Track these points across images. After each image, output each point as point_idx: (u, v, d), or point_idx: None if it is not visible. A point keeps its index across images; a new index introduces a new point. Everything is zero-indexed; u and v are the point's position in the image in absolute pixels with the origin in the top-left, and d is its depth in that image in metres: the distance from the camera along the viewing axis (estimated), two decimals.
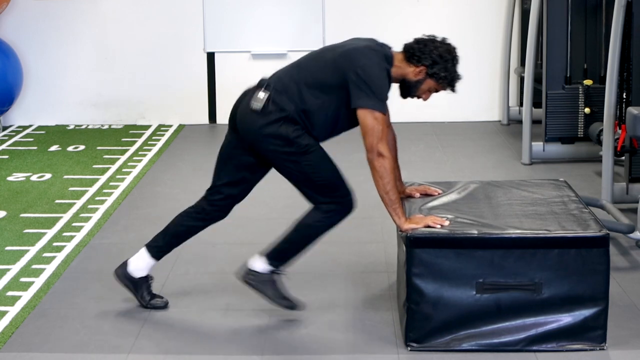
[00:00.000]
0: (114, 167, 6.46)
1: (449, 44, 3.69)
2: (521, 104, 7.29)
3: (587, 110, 6.28)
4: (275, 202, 5.51)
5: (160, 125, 7.90)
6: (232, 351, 3.65)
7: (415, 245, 3.51)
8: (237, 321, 3.90)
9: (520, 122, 7.17)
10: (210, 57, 7.91)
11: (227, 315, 3.97)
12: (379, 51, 3.63)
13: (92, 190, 5.89)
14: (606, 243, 3.51)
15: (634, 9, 5.19)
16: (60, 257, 4.66)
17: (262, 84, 3.70)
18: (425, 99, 3.76)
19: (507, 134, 7.47)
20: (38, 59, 7.89)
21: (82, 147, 7.14)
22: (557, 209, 3.76)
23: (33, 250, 4.76)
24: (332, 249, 4.72)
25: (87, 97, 7.98)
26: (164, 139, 7.39)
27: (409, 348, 3.58)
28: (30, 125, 7.90)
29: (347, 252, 4.69)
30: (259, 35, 7.83)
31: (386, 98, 3.60)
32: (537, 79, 6.51)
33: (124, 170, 6.40)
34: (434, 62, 3.63)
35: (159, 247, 3.96)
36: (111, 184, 6.04)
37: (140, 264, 3.95)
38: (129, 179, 6.16)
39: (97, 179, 6.14)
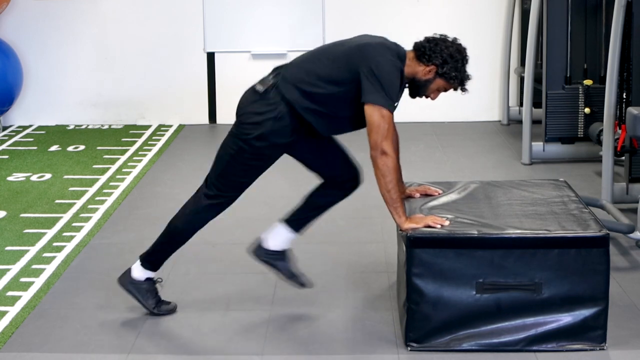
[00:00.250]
0: (114, 167, 6.46)
1: (459, 44, 3.68)
2: (521, 104, 7.29)
3: (587, 110, 6.28)
4: (275, 202, 5.51)
5: (160, 125, 7.90)
6: (232, 351, 3.65)
7: (415, 245, 3.51)
8: (237, 321, 3.90)
9: (520, 122, 7.17)
10: (210, 57, 7.91)
11: (227, 315, 3.97)
12: (393, 49, 3.63)
13: (92, 190, 5.89)
14: (606, 243, 3.51)
15: (634, 9, 5.19)
16: (60, 257, 4.66)
17: (273, 72, 3.72)
18: (433, 99, 3.76)
19: (507, 134, 7.47)
20: (38, 59, 7.89)
21: (82, 147, 7.14)
22: (557, 209, 3.76)
23: (33, 250, 4.76)
24: (332, 249, 4.73)
25: (87, 97, 7.99)
26: (164, 139, 7.39)
27: (409, 348, 3.58)
28: (30, 125, 7.90)
29: (347, 252, 4.69)
30: (259, 35, 7.83)
31: (396, 97, 3.59)
32: (537, 79, 6.51)
33: (124, 170, 6.40)
34: (444, 62, 3.62)
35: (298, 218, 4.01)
36: (111, 184, 6.04)
37: (278, 240, 3.99)
38: (129, 179, 6.16)
39: (97, 179, 6.14)
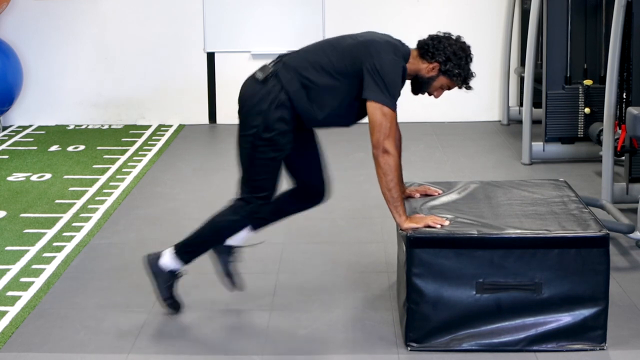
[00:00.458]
0: (114, 167, 6.46)
1: (463, 42, 3.68)
2: (521, 104, 7.29)
3: (587, 110, 6.28)
4: None
5: (160, 125, 7.90)
6: (232, 351, 3.65)
7: (415, 245, 3.51)
8: (237, 321, 3.91)
9: (520, 122, 7.17)
10: (210, 57, 7.91)
11: (227, 315, 3.97)
12: (398, 47, 3.63)
13: (92, 190, 5.89)
14: (606, 243, 3.51)
15: (634, 9, 5.19)
16: (60, 257, 4.66)
17: (275, 59, 3.72)
18: (437, 97, 3.76)
19: (507, 134, 7.47)
20: (38, 59, 7.89)
21: (82, 147, 7.14)
22: (557, 209, 3.76)
23: (33, 250, 4.76)
24: (332, 249, 4.72)
25: (87, 97, 7.99)
26: (164, 139, 7.39)
27: (409, 348, 3.58)
28: (30, 125, 7.90)
29: (347, 252, 4.69)
30: (259, 35, 7.83)
31: (398, 95, 3.59)
32: (537, 79, 6.51)
33: (124, 170, 6.40)
34: (448, 59, 3.62)
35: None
36: (111, 184, 6.04)
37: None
38: (129, 179, 6.16)
39: (97, 179, 6.14)
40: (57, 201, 5.65)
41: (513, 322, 3.53)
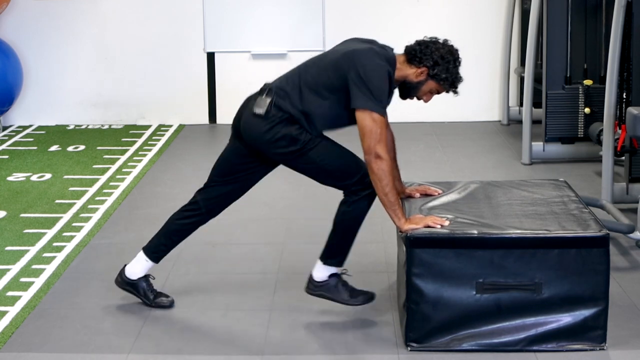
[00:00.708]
0: (114, 167, 6.46)
1: (451, 46, 3.68)
2: (521, 104, 7.29)
3: (587, 110, 6.28)
4: (275, 202, 5.52)
5: (160, 125, 7.90)
6: (232, 351, 3.65)
7: (415, 245, 3.51)
8: (237, 321, 3.91)
9: (520, 122, 7.17)
10: (210, 57, 7.91)
11: (227, 315, 3.97)
12: (381, 53, 3.63)
13: (92, 190, 5.89)
14: (606, 243, 3.51)
15: (634, 9, 5.19)
16: (60, 257, 4.66)
17: (264, 89, 3.71)
18: (426, 101, 3.76)
19: (507, 134, 7.47)
20: (38, 59, 7.89)
21: (82, 147, 7.14)
22: (557, 209, 3.76)
23: (33, 250, 4.76)
24: None
25: (87, 97, 7.98)
26: (164, 139, 7.39)
27: (409, 348, 3.58)
28: (30, 125, 7.90)
29: None
30: (259, 35, 7.83)
31: (386, 100, 3.60)
32: (537, 79, 6.51)
33: (124, 170, 6.40)
34: (436, 64, 3.63)
35: (155, 247, 3.97)
36: (111, 184, 6.04)
37: (137, 267, 3.97)
38: (129, 179, 6.16)
39: (97, 179, 6.14)
40: (57, 201, 5.65)
41: (513, 322, 3.53)
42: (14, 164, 6.62)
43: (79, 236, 4.98)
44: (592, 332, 3.53)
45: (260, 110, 3.67)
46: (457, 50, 3.69)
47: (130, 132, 7.68)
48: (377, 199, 3.70)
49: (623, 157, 5.38)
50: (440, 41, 3.69)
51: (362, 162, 3.69)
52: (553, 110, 6.35)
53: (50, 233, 5.03)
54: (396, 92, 3.73)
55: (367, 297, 3.89)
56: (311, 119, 3.66)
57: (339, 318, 3.90)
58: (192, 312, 3.97)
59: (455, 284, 3.51)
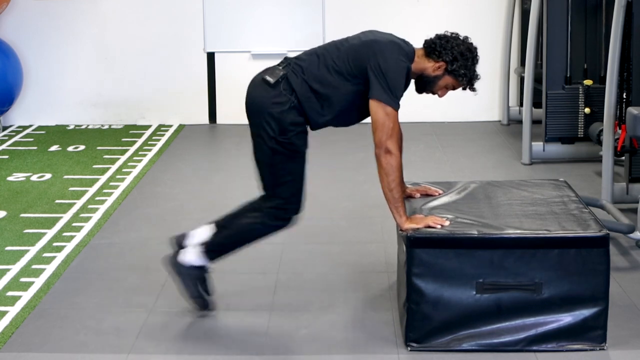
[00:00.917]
0: (114, 167, 6.46)
1: (470, 43, 3.69)
2: (521, 104, 7.29)
3: (587, 110, 6.28)
4: None
5: (160, 125, 7.90)
6: (232, 351, 3.65)
7: (416, 245, 3.51)
8: (237, 321, 3.90)
9: (520, 122, 7.17)
10: (210, 57, 7.91)
11: (227, 315, 3.97)
12: (402, 46, 3.63)
13: (92, 190, 5.89)
14: (606, 243, 3.51)
15: (634, 9, 5.19)
16: (60, 257, 4.66)
17: (282, 62, 3.70)
18: (441, 96, 3.76)
19: (507, 134, 7.47)
20: (38, 59, 7.89)
21: (82, 147, 7.14)
22: (557, 209, 3.76)
23: (33, 250, 4.76)
24: (332, 249, 4.72)
25: (87, 97, 7.98)
26: (164, 139, 7.39)
27: (409, 348, 3.58)
28: (30, 125, 7.90)
29: (347, 252, 4.69)
30: (259, 35, 7.83)
31: (401, 95, 3.59)
32: (537, 79, 6.51)
33: (124, 170, 6.40)
34: (455, 59, 3.63)
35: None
36: (111, 184, 6.04)
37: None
38: (129, 179, 6.16)
39: (97, 179, 6.14)
40: (57, 201, 5.65)
41: (513, 322, 3.53)
42: (14, 164, 6.62)
43: (79, 236, 4.98)
44: (592, 332, 3.53)
45: (270, 78, 3.64)
46: (476, 48, 3.69)
47: (130, 132, 7.68)
48: (275, 233, 3.76)
49: (623, 157, 5.38)
50: (461, 37, 3.69)
51: (298, 201, 3.69)
52: (553, 110, 6.35)
53: (50, 233, 5.03)
54: (409, 88, 3.72)
55: (205, 304, 3.90)
56: (323, 102, 3.63)
57: (339, 318, 3.90)
58: (191, 312, 3.97)
59: (456, 284, 3.51)
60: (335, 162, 6.42)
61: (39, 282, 4.33)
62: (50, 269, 4.50)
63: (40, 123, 7.96)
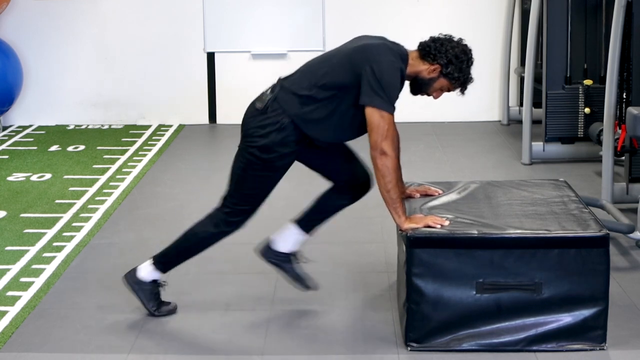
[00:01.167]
0: (114, 167, 6.46)
1: (465, 45, 3.68)
2: (521, 104, 7.29)
3: (587, 110, 6.28)
4: (276, 201, 5.49)
5: (160, 125, 7.90)
6: (232, 351, 3.65)
7: (415, 245, 3.51)
8: (237, 321, 3.90)
9: (520, 122, 7.17)
10: (210, 57, 7.91)
11: (227, 315, 3.97)
12: (394, 49, 3.62)
13: (92, 190, 5.89)
14: (606, 243, 3.51)
15: (634, 9, 5.19)
16: (60, 257, 4.66)
17: (274, 85, 3.71)
18: (435, 98, 3.76)
19: (507, 134, 7.47)
20: (38, 59, 7.89)
21: (82, 147, 7.14)
22: (557, 209, 3.76)
23: (33, 250, 4.76)
24: (332, 249, 4.72)
25: (87, 97, 7.99)
26: (164, 139, 7.39)
27: (409, 348, 3.58)
28: (30, 125, 7.90)
29: (347, 252, 4.69)
30: (259, 35, 7.83)
31: (396, 98, 3.59)
32: (537, 79, 6.51)
33: (124, 170, 6.40)
34: (449, 62, 3.62)
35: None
36: (111, 184, 6.04)
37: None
38: (129, 179, 6.16)
39: (97, 179, 6.14)
40: (57, 201, 5.65)
41: (513, 322, 3.53)
42: (14, 164, 6.62)
43: (79, 236, 4.98)
44: (592, 332, 3.53)
45: (259, 104, 3.66)
46: (470, 50, 3.68)
47: (130, 132, 7.68)
48: (221, 240, 3.81)
49: (623, 157, 5.39)
50: (455, 39, 3.68)
51: (252, 209, 3.76)
52: (553, 110, 6.35)
53: (50, 233, 5.03)
54: (406, 90, 3.72)
55: (171, 308, 3.94)
56: (318, 119, 3.62)
57: (339, 318, 3.90)
58: (192, 312, 3.97)
59: (456, 284, 3.51)
60: None
61: (39, 282, 4.33)
62: (50, 269, 4.50)
63: (40, 123, 7.96)
